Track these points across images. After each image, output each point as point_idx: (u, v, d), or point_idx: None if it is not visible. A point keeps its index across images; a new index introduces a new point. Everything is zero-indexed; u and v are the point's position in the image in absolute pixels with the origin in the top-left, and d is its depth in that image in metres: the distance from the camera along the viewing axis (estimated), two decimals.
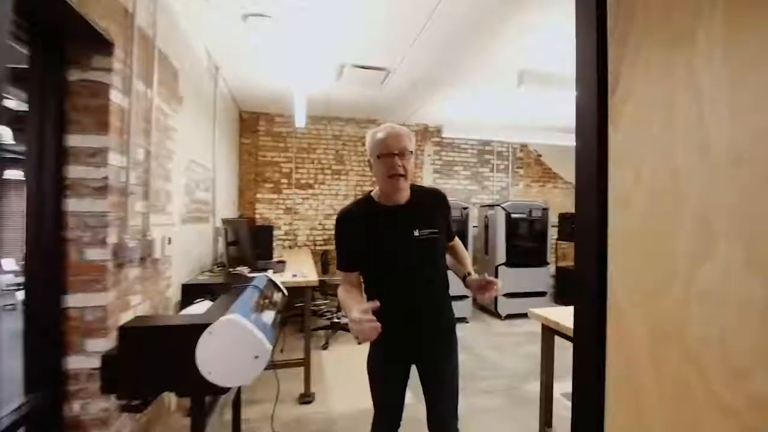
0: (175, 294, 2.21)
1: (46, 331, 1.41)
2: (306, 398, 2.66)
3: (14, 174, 6.63)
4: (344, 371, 3.24)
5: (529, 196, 6.01)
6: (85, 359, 1.44)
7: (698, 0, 0.41)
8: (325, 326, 4.16)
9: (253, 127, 5.09)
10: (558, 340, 1.86)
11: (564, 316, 1.79)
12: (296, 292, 2.65)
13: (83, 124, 1.44)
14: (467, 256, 1.58)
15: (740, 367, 0.36)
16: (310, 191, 5.30)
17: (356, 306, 1.17)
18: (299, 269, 3.01)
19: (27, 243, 1.39)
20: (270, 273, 2.59)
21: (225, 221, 3.02)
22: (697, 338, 0.41)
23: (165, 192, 2.08)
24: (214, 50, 3.11)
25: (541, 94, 3.74)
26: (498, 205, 5.04)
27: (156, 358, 1.16)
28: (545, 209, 5.23)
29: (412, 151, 1.33)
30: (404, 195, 1.38)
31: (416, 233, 1.36)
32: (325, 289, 4.05)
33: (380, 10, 2.48)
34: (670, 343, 0.43)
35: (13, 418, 1.26)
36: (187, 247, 2.51)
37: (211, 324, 1.15)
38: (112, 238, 1.49)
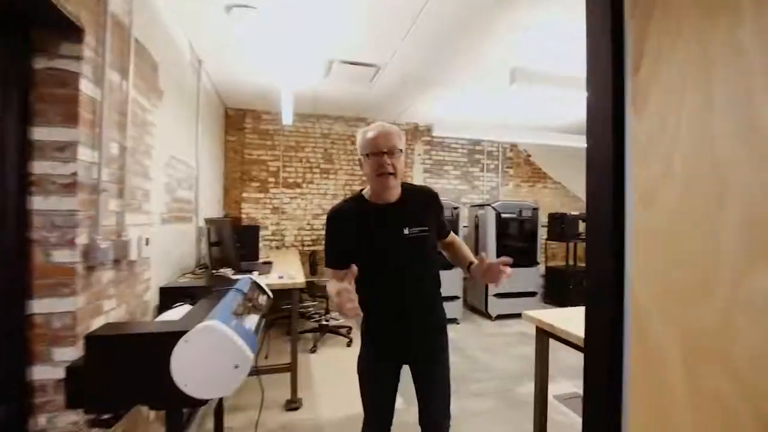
0: (153, 298, 2.10)
1: (9, 339, 1.30)
2: (293, 404, 2.57)
3: None
4: (333, 375, 3.15)
5: (519, 196, 6.01)
6: (51, 369, 1.33)
7: None
8: (313, 329, 4.06)
9: (239, 125, 4.97)
10: (550, 342, 1.82)
11: (558, 318, 1.75)
12: (283, 294, 2.56)
13: (50, 116, 1.34)
14: (467, 248, 1.57)
15: None
16: (298, 190, 5.20)
17: (338, 284, 1.17)
18: (286, 270, 2.92)
19: None
20: (255, 275, 2.50)
21: (208, 221, 2.91)
22: (743, 355, 0.35)
23: (143, 190, 1.97)
24: (197, 43, 2.99)
25: (533, 93, 3.71)
26: (488, 205, 5.02)
27: (127, 368, 1.07)
28: (535, 209, 5.23)
29: (401, 150, 1.35)
30: (394, 193, 1.39)
31: (406, 231, 1.37)
32: (314, 290, 3.96)
33: (370, 3, 2.41)
34: (708, 358, 0.37)
35: None
36: (167, 248, 2.40)
37: (187, 331, 1.07)
38: (81, 239, 1.39)
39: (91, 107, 1.45)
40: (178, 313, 1.39)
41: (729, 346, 0.35)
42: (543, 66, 3.25)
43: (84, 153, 1.40)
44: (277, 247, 5.09)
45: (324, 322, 4.10)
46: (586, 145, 0.56)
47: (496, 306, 4.88)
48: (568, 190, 6.38)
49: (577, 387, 2.93)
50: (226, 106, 4.83)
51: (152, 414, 1.93)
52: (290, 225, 5.17)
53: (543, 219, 5.48)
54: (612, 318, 0.50)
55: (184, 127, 2.85)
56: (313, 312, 4.57)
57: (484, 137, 5.61)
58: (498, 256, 4.91)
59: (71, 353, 1.33)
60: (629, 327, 0.48)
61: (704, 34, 0.38)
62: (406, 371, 1.49)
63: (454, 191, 5.83)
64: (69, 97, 1.36)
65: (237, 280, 1.66)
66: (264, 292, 1.71)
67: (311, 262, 4.63)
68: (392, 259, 1.37)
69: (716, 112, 0.37)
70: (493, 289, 4.87)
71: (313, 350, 3.67)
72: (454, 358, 1.50)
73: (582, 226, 5.67)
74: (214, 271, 2.68)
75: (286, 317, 3.77)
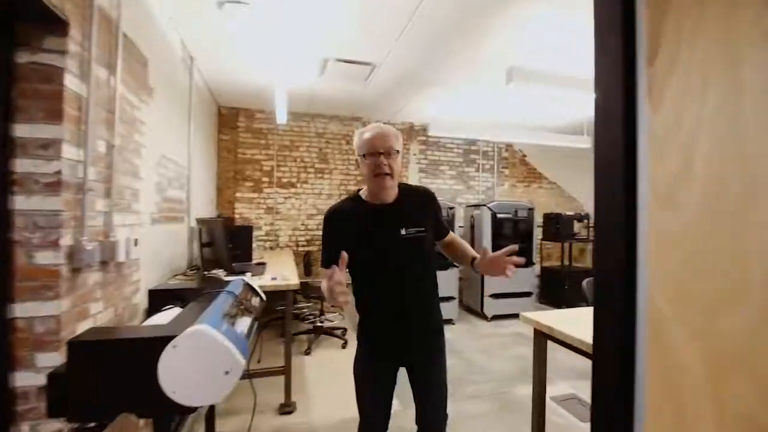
0: (143, 300, 2.05)
1: None
2: (287, 408, 2.53)
3: None
4: (328, 377, 3.11)
5: (515, 196, 6.00)
6: (34, 376, 1.28)
7: None
8: (307, 330, 4.02)
9: (233, 123, 4.90)
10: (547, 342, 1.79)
11: (557, 320, 1.72)
12: (277, 295, 2.52)
13: (33, 112, 1.28)
14: (467, 245, 1.56)
15: None
16: (293, 190, 5.15)
17: (328, 270, 1.19)
18: (280, 272, 2.87)
19: None
20: (248, 276, 2.45)
21: (199, 221, 2.86)
22: None
23: (132, 189, 1.92)
24: (188, 39, 2.94)
25: (530, 92, 3.68)
26: (484, 205, 5.00)
27: (112, 375, 1.03)
28: (531, 209, 5.22)
29: (398, 151, 1.35)
30: (391, 194, 1.39)
31: (403, 232, 1.36)
32: (308, 291, 3.91)
33: (366, 0, 2.37)
34: (738, 374, 0.34)
35: None
36: (157, 249, 2.35)
37: (175, 336, 1.03)
38: (66, 240, 1.33)
39: (76, 103, 1.40)
40: (166, 316, 1.35)
41: (762, 362, 0.32)
42: (541, 62, 3.21)
43: (69, 151, 1.34)
44: (271, 248, 5.03)
45: (319, 324, 4.06)
46: (591, 144, 0.53)
47: (491, 306, 4.87)
48: (564, 191, 6.39)
49: (574, 388, 2.92)
50: (219, 104, 4.76)
51: (141, 420, 1.88)
52: (284, 225, 5.12)
53: (538, 219, 5.48)
54: (623, 330, 0.47)
55: (175, 126, 2.79)
56: (307, 313, 4.52)
57: (480, 137, 5.59)
58: None
59: (55, 359, 1.27)
60: (643, 337, 0.45)
61: (730, 15, 0.35)
62: (402, 374, 1.46)
63: (450, 191, 5.81)
64: (53, 93, 1.31)
65: (229, 281, 1.62)
66: (257, 294, 1.67)
67: (306, 263, 4.58)
68: (392, 259, 1.36)
69: (745, 102, 0.34)
70: (488, 290, 4.86)
71: (307, 352, 3.62)
72: (450, 360, 1.49)
73: (577, 227, 5.67)
74: (205, 273, 2.62)
75: (280, 319, 3.72)
